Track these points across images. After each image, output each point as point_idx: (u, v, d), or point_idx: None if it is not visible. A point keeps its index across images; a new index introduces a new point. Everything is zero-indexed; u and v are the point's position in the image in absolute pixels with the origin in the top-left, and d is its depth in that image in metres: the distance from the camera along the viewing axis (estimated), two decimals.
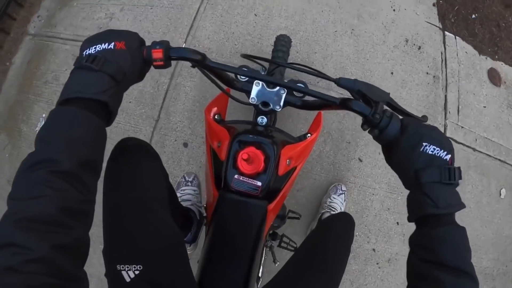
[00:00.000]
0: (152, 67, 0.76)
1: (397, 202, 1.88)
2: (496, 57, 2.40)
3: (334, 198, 1.71)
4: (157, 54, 0.70)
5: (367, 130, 0.71)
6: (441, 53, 2.22)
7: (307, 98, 0.90)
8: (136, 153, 0.85)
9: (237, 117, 1.00)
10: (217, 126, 0.92)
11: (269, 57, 1.60)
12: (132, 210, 0.76)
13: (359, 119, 0.64)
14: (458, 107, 2.10)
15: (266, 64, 1.45)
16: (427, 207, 0.62)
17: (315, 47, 2.05)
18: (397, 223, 1.87)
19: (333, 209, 1.66)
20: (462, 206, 0.63)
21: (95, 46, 0.65)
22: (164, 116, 1.94)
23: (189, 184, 1.64)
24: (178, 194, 1.54)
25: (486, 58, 2.36)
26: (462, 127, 2.07)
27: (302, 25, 2.12)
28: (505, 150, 2.16)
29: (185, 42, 2.08)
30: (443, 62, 2.20)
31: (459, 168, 0.63)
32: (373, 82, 1.90)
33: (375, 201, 1.86)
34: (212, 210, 0.89)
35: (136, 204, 0.77)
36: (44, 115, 2.13)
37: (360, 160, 1.86)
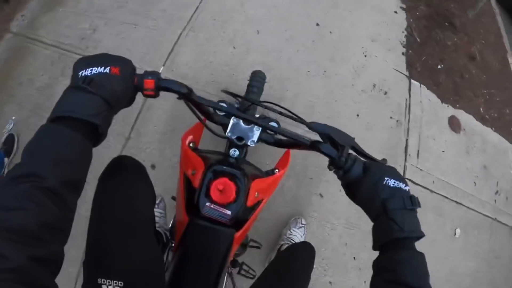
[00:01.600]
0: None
1: (355, 238, 1.95)
2: (457, 105, 2.57)
3: (294, 230, 1.77)
4: (149, 84, 0.73)
5: (333, 171, 0.77)
6: (406, 100, 2.37)
7: (280, 136, 0.95)
8: (133, 173, 0.91)
9: (206, 146, 1.06)
10: (193, 154, 0.97)
11: (243, 89, 1.70)
12: (122, 228, 0.80)
13: (322, 157, 0.71)
14: (418, 151, 2.23)
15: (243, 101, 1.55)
16: (394, 232, 0.67)
17: (288, 85, 2.17)
18: (354, 258, 1.93)
19: (293, 241, 1.72)
20: (422, 234, 0.69)
21: (91, 69, 0.67)
22: (134, 135, 1.98)
23: (156, 206, 1.68)
24: None
25: (448, 106, 2.52)
26: (421, 169, 2.19)
27: (277, 62, 2.24)
28: (461, 193, 2.27)
29: (163, 66, 2.16)
30: (407, 108, 2.34)
31: (417, 198, 0.71)
32: (339, 123, 2.04)
33: (333, 236, 1.93)
34: (181, 234, 0.93)
35: (127, 222, 0.81)
36: (14, 118, 2.12)
37: (321, 196, 1.95)
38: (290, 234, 1.76)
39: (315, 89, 2.18)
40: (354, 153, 0.78)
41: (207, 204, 0.86)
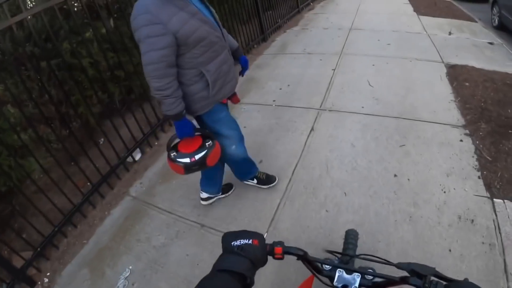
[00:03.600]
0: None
1: None
2: None
3: None
4: (278, 250, 0.96)
5: None
6: (493, 220, 2.59)
7: (377, 279, 1.09)
8: None
9: None
10: None
11: (339, 246, 2.05)
12: None
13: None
14: None
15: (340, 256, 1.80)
16: None
17: (379, 236, 2.53)
18: None
19: None
20: None
21: (240, 240, 0.91)
22: None
23: None
24: None
25: None
26: None
27: (366, 218, 2.65)
28: None
29: (267, 232, 2.52)
30: (496, 229, 2.55)
31: None
32: (432, 262, 2.42)
33: None
34: None
35: None
36: (130, 267, 2.40)
37: None
38: None
39: (405, 236, 2.51)
40: (436, 279, 0.90)
41: None
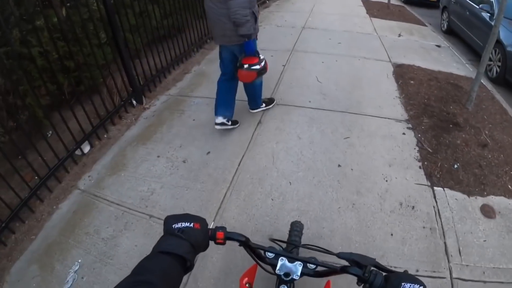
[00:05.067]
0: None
1: None
2: (485, 193, 2.82)
3: None
4: (220, 235, 0.96)
5: (361, 286, 0.91)
6: (434, 207, 2.68)
7: (318, 268, 1.10)
8: None
9: (259, 286, 1.32)
10: None
11: (285, 233, 2.05)
12: None
13: (350, 277, 0.96)
14: (459, 249, 2.43)
15: (284, 245, 1.75)
16: None
17: (323, 223, 2.55)
18: None
19: None
20: None
21: (181, 223, 0.90)
22: (192, 280, 2.19)
23: None
24: None
25: (475, 198, 2.78)
26: (467, 265, 2.35)
27: (310, 206, 2.67)
28: None
29: (213, 221, 2.55)
30: (437, 214, 2.63)
31: None
32: (375, 245, 2.45)
33: None
34: None
35: None
36: (80, 260, 2.35)
37: None
38: None
39: (348, 222, 2.55)
40: (375, 269, 0.92)
41: None
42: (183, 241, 0.86)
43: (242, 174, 3.00)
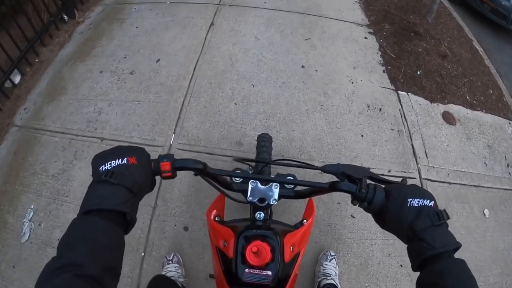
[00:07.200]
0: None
1: (396, 247, 2.03)
2: (446, 101, 2.80)
3: (326, 264, 1.81)
4: (165, 166, 0.76)
5: (357, 205, 0.76)
6: (399, 110, 2.60)
7: (298, 188, 0.95)
8: None
9: (233, 217, 1.09)
10: (220, 226, 0.97)
11: (254, 139, 1.84)
12: None
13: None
14: (425, 151, 2.42)
15: (253, 164, 1.58)
16: (425, 251, 0.65)
17: (293, 125, 2.37)
18: (401, 265, 2.00)
19: (328, 275, 1.76)
20: (457, 244, 0.67)
21: (110, 162, 0.70)
22: (161, 203, 2.03)
23: (170, 262, 1.81)
24: (163, 272, 1.74)
25: (437, 104, 2.75)
26: (433, 167, 2.36)
27: (277, 108, 2.46)
28: (476, 176, 2.42)
29: (174, 133, 2.31)
30: (403, 117, 2.56)
31: (444, 210, 0.69)
32: (347, 147, 2.24)
33: (375, 251, 2.01)
34: None
35: None
36: (32, 206, 2.10)
37: (353, 217, 2.08)
38: (324, 269, 1.81)
39: (318, 123, 2.39)
40: (373, 183, 0.77)
41: (246, 270, 0.84)
42: (116, 188, 0.67)
43: (199, 79, 2.66)
